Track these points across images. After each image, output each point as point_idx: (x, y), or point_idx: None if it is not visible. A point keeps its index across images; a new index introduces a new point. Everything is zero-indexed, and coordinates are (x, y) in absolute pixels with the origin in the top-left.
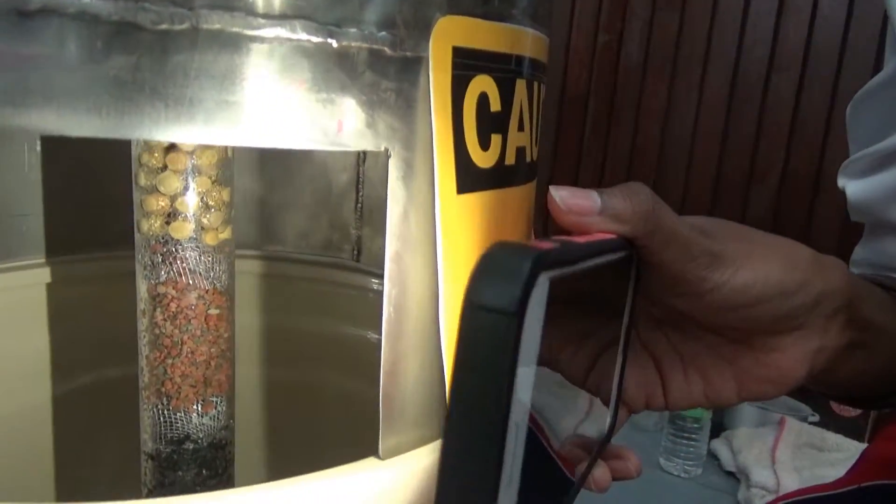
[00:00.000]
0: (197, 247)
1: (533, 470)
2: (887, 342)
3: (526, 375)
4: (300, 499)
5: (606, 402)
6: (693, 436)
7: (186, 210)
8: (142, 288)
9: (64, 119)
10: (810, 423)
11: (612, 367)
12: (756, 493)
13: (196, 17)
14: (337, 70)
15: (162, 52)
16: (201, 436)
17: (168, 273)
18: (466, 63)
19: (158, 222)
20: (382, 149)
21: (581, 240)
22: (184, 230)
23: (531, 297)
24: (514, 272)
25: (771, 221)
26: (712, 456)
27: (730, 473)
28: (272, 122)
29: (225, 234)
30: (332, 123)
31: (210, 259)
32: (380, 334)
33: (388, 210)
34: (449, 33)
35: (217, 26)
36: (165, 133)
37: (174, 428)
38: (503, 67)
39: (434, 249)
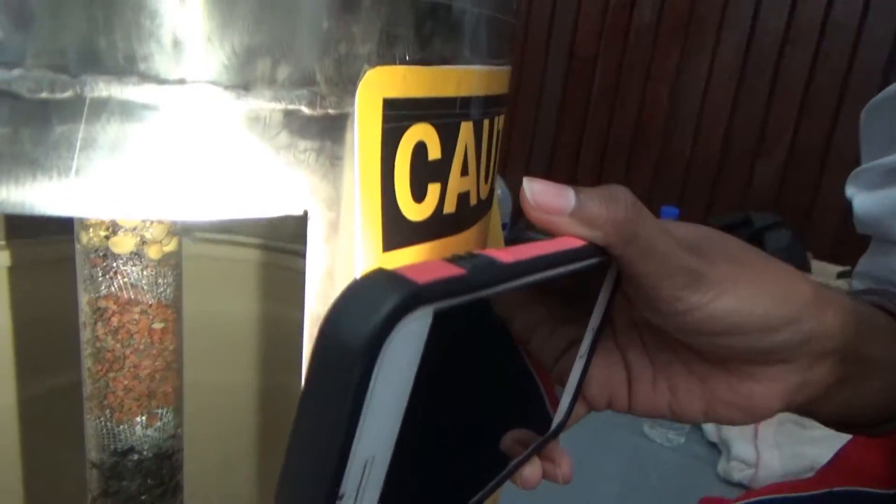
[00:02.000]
0: (139, 261)
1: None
2: (882, 375)
3: (389, 412)
4: None
5: (568, 394)
6: None
7: (127, 223)
8: (82, 300)
9: None
10: None
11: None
12: (735, 466)
13: (80, 85)
14: (246, 133)
15: (43, 122)
16: (146, 447)
17: (109, 288)
18: (400, 114)
19: (98, 235)
20: (302, 212)
21: (518, 255)
22: (125, 245)
23: (393, 336)
24: (373, 306)
25: (775, 195)
26: (696, 426)
27: (713, 444)
28: (171, 193)
29: (170, 247)
30: (241, 191)
31: (154, 273)
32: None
33: (307, 271)
34: (379, 85)
35: (105, 94)
36: (53, 207)
37: (118, 440)
38: (445, 112)
39: None
